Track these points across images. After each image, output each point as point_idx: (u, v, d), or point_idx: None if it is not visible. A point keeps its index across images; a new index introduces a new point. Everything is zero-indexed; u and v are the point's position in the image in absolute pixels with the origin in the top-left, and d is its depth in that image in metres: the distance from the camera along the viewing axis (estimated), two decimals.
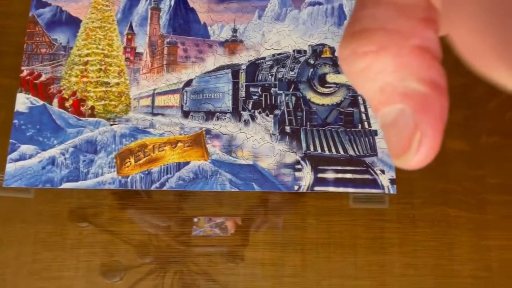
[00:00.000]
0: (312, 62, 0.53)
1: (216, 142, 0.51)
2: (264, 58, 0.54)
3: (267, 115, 0.52)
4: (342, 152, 0.51)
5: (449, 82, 0.11)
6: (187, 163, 0.50)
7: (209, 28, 0.54)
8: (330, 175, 0.49)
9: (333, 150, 0.51)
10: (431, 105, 0.09)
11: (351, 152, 0.50)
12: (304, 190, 0.49)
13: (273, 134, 0.51)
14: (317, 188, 0.49)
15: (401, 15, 0.10)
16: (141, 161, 0.49)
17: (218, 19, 0.54)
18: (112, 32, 0.53)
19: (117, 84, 0.51)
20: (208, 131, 0.51)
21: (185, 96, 0.53)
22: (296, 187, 0.49)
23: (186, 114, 0.53)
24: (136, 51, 0.53)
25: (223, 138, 0.51)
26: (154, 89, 0.52)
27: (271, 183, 0.49)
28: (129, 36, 0.53)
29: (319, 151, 0.51)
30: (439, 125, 0.10)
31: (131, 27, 0.54)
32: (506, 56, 0.08)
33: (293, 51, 0.54)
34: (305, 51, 0.54)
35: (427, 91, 0.09)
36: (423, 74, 0.09)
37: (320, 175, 0.49)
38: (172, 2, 0.55)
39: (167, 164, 0.49)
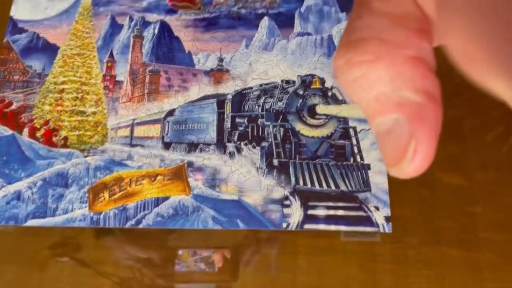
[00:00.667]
0: (301, 92, 0.51)
1: (198, 175, 0.47)
2: (251, 88, 0.51)
3: (254, 147, 0.49)
4: (333, 187, 0.47)
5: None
6: (167, 198, 0.46)
7: (194, 56, 0.52)
8: (321, 212, 0.46)
9: (324, 184, 0.48)
10: (425, 114, 0.10)
11: (343, 187, 0.47)
12: (293, 228, 0.45)
13: (260, 168, 0.48)
14: (307, 226, 0.45)
15: (396, 26, 0.10)
16: (116, 196, 0.45)
17: (204, 48, 0.52)
18: (92, 59, 0.51)
19: (94, 113, 0.48)
20: (190, 164, 0.47)
21: (166, 127, 0.50)
22: (284, 225, 0.45)
23: (167, 146, 0.49)
24: (116, 79, 0.50)
25: (206, 171, 0.47)
26: (134, 119, 0.49)
27: (257, 220, 0.45)
28: (109, 64, 0.51)
29: (309, 185, 0.47)
30: (433, 134, 0.10)
31: (111, 55, 0.51)
32: (502, 65, 0.08)
33: (281, 81, 0.51)
34: (293, 82, 0.52)
35: (422, 100, 0.10)
36: (417, 84, 0.10)
37: (310, 211, 0.46)
38: (156, 30, 0.53)
39: (145, 199, 0.45)
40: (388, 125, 0.10)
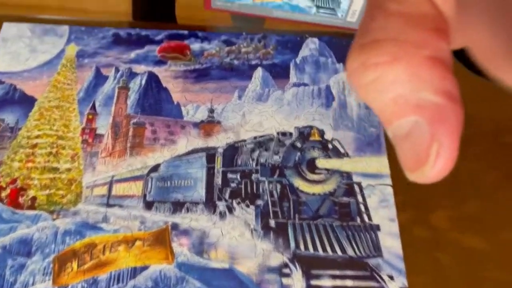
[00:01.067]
0: (299, 145, 0.47)
1: (184, 239, 0.41)
2: (245, 140, 0.47)
3: (248, 206, 0.43)
4: (339, 252, 0.41)
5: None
6: (146, 267, 0.39)
7: (182, 108, 0.48)
8: (326, 282, 0.39)
9: (328, 249, 0.41)
10: (446, 115, 0.09)
11: (350, 252, 0.41)
12: None
13: (254, 230, 0.42)
14: None
15: (412, 26, 0.10)
16: (86, 266, 0.38)
17: (194, 99, 0.49)
18: (71, 112, 0.47)
19: (68, 169, 0.43)
20: (174, 226, 0.42)
21: (149, 184, 0.45)
22: None
23: (149, 206, 0.44)
24: (97, 132, 0.46)
25: (193, 234, 0.41)
26: (113, 176, 0.44)
27: None
28: (90, 116, 0.47)
29: (311, 250, 0.41)
30: (455, 136, 0.09)
31: (93, 107, 0.47)
32: None
33: (277, 133, 0.47)
34: (290, 134, 0.47)
35: (442, 101, 0.09)
36: (437, 85, 0.09)
37: (313, 282, 0.39)
38: (143, 81, 0.50)
39: (120, 269, 0.39)
40: (407, 128, 0.10)
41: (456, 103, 0.09)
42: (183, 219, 0.42)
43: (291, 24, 0.56)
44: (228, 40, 0.54)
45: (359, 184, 0.45)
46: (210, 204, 0.44)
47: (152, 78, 0.50)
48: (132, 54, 0.51)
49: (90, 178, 0.44)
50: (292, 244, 0.41)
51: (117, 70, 0.50)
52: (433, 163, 0.09)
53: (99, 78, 0.49)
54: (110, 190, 0.44)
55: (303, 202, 0.44)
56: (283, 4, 0.54)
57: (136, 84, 0.49)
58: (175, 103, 0.49)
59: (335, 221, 0.43)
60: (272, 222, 0.43)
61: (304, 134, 0.47)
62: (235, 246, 0.41)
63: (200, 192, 0.45)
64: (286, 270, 0.40)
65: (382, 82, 0.10)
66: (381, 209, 0.44)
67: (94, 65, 0.50)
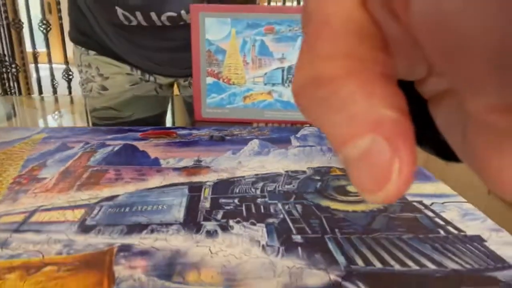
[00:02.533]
0: (317, 177, 0.34)
1: (139, 261, 0.22)
2: (243, 176, 0.34)
3: (253, 224, 0.26)
4: (432, 265, 0.22)
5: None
6: None
7: (161, 160, 0.37)
8: None
9: (410, 263, 0.22)
10: (403, 130, 0.09)
11: (451, 264, 0.22)
12: None
13: (268, 245, 0.23)
14: None
15: (361, 43, 0.09)
16: None
17: (176, 155, 0.38)
18: (9, 165, 0.35)
19: None
20: (125, 248, 0.23)
21: (95, 210, 0.28)
22: None
23: (86, 229, 0.25)
24: (37, 176, 0.33)
25: (156, 255, 0.22)
26: (40, 206, 0.28)
27: None
28: (35, 168, 0.35)
29: (380, 265, 0.22)
30: (414, 150, 0.09)
31: (43, 164, 0.36)
32: None
33: (286, 171, 0.35)
34: (303, 171, 0.35)
35: (398, 117, 0.09)
36: (391, 100, 0.09)
37: None
38: (116, 148, 0.40)
39: None
40: (363, 148, 0.09)
41: (408, 117, 0.09)
42: (142, 240, 0.24)
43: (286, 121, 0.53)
44: (220, 128, 0.49)
45: (420, 202, 0.29)
46: (191, 224, 0.26)
47: (128, 146, 0.41)
48: (109, 136, 0.44)
49: (2, 208, 0.28)
50: (341, 259, 0.22)
51: (86, 143, 0.42)
52: (396, 180, 0.09)
53: (62, 148, 0.40)
54: (28, 217, 0.26)
55: (341, 218, 0.27)
56: (274, 102, 0.53)
57: (105, 151, 0.40)
58: (153, 158, 0.38)
59: (404, 234, 0.25)
60: (297, 238, 0.24)
61: (322, 171, 0.35)
62: (234, 266, 0.21)
63: (175, 215, 0.27)
64: None
65: (337, 99, 0.09)
66: (470, 222, 0.27)
67: (60, 141, 0.42)
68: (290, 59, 0.51)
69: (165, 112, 0.65)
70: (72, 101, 0.69)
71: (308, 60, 0.10)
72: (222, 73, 0.52)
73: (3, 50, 2.46)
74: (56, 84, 1.85)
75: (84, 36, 0.83)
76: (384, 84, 0.09)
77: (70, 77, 1.73)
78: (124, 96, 0.69)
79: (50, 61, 2.13)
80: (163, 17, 0.69)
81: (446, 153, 0.13)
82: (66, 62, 2.12)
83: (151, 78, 0.85)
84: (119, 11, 0.68)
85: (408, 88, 0.11)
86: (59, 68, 1.82)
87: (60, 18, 1.85)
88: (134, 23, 0.71)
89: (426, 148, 0.14)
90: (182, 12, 0.68)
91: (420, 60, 0.10)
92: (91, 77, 0.85)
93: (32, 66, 2.07)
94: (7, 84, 2.25)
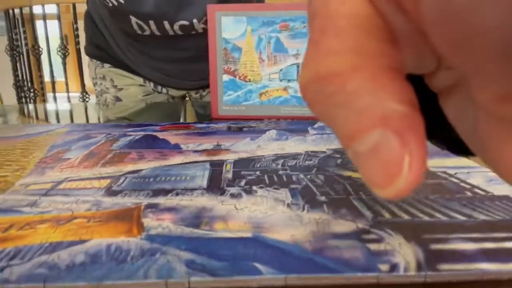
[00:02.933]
0: (338, 155, 0.34)
1: (166, 215, 0.22)
2: (263, 155, 0.34)
3: (277, 189, 0.26)
4: (461, 217, 0.22)
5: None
6: (83, 241, 0.19)
7: (182, 145, 0.38)
8: (463, 246, 0.18)
9: (439, 215, 0.22)
10: (413, 124, 0.09)
11: (480, 216, 0.22)
12: (412, 273, 0.16)
13: (294, 204, 0.23)
14: (443, 267, 0.17)
15: (367, 37, 0.09)
16: None
17: (196, 141, 0.39)
18: (33, 151, 0.36)
19: (4, 176, 0.28)
20: (152, 205, 0.23)
21: (121, 180, 0.28)
22: (383, 267, 0.17)
23: (112, 193, 0.26)
24: (62, 157, 0.34)
25: (182, 210, 0.23)
26: (66, 178, 0.28)
27: (307, 262, 0.17)
28: (61, 152, 0.36)
29: (407, 217, 0.22)
30: (424, 143, 0.09)
31: (68, 150, 0.37)
32: None
33: (305, 152, 0.35)
34: (323, 151, 0.35)
35: (408, 110, 0.09)
36: (399, 94, 0.09)
37: (435, 246, 0.18)
38: (137, 137, 0.41)
39: (26, 245, 0.19)
40: (373, 143, 0.09)
41: (418, 111, 0.09)
42: (168, 200, 0.24)
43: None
44: (237, 122, 0.50)
45: (444, 172, 0.29)
46: (215, 189, 0.26)
47: (148, 135, 0.42)
48: (130, 129, 0.45)
49: (29, 179, 0.28)
50: (368, 213, 0.22)
51: (108, 134, 0.43)
52: (407, 175, 0.09)
53: (85, 138, 0.41)
54: (56, 185, 0.27)
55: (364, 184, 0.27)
56: (290, 98, 0.54)
57: (127, 139, 0.40)
58: (173, 143, 0.38)
59: (430, 195, 0.25)
60: (321, 198, 0.24)
61: (341, 151, 0.35)
62: (261, 218, 0.22)
63: (199, 183, 0.27)
64: (369, 236, 0.19)
65: (343, 94, 0.09)
66: (497, 185, 0.26)
67: (84, 133, 0.43)
68: None
69: (178, 120, 0.67)
70: (86, 111, 0.70)
71: (314, 55, 0.10)
72: (238, 71, 0.54)
73: (22, 76, 2.55)
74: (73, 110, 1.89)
75: (99, 50, 0.86)
76: (392, 77, 0.09)
77: (86, 100, 1.77)
78: (137, 106, 0.71)
79: (67, 85, 2.19)
80: (176, 26, 0.71)
81: (458, 148, 0.13)
82: (83, 85, 2.17)
83: (164, 90, 0.87)
84: (133, 20, 0.70)
85: (418, 83, 0.11)
86: (75, 96, 1.86)
87: (78, 50, 1.91)
88: (147, 32, 0.73)
89: (437, 143, 0.14)
90: (194, 20, 0.70)
91: (428, 53, 0.10)
92: (105, 89, 0.87)
93: (49, 95, 2.12)
94: (25, 108, 2.31)
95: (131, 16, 0.70)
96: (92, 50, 0.88)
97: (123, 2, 0.67)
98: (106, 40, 0.84)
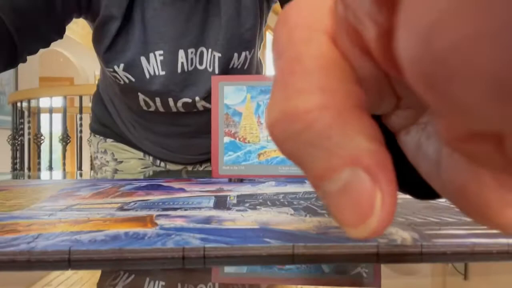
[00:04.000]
0: None
1: (178, 219, 0.23)
2: (265, 193, 0.36)
3: (280, 207, 0.27)
4: (451, 219, 0.23)
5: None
6: (102, 230, 0.20)
7: (186, 189, 0.39)
8: (455, 232, 0.20)
9: (431, 218, 0.23)
10: (382, 161, 0.09)
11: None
12: (409, 243, 0.18)
13: (302, 209, 0.25)
14: (438, 241, 0.18)
15: (335, 78, 0.09)
16: None
17: (200, 187, 0.41)
18: None
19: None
20: (163, 215, 0.25)
21: (131, 204, 0.29)
22: (383, 241, 0.18)
23: (125, 210, 0.27)
24: (73, 194, 0.35)
25: (193, 217, 0.24)
26: (79, 203, 0.30)
27: (313, 239, 0.18)
28: None
29: (402, 219, 0.23)
30: (394, 180, 0.09)
31: None
32: None
33: (304, 191, 0.37)
34: None
35: (376, 147, 0.09)
36: (367, 131, 0.09)
37: (431, 232, 0.20)
38: (143, 184, 0.43)
39: (51, 232, 0.20)
40: (343, 182, 0.09)
41: (385, 147, 0.09)
42: (175, 211, 0.25)
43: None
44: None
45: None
46: (221, 207, 0.27)
47: (153, 183, 0.44)
48: (135, 181, 0.47)
49: (44, 204, 0.29)
50: None
51: (115, 183, 0.44)
52: (380, 212, 0.08)
53: (93, 185, 0.43)
54: (69, 206, 0.28)
55: None
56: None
57: (133, 186, 0.42)
58: (177, 188, 0.40)
59: (422, 210, 0.27)
60: (323, 211, 0.26)
61: None
62: (267, 219, 0.23)
63: (205, 205, 0.28)
64: None
65: (312, 132, 0.09)
66: None
67: (91, 183, 0.45)
68: None
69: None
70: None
71: (282, 94, 0.09)
72: (238, 133, 0.58)
73: (20, 164, 2.59)
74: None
75: (104, 127, 0.91)
76: (359, 116, 0.09)
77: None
78: (135, 176, 0.74)
79: (64, 165, 2.22)
80: (179, 103, 0.77)
81: (420, 191, 0.13)
82: (80, 169, 2.20)
83: (162, 164, 0.90)
84: (141, 96, 0.76)
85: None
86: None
87: (80, 138, 1.99)
88: (152, 108, 0.79)
89: (399, 187, 0.14)
90: (197, 98, 0.77)
91: (389, 94, 0.10)
92: (105, 162, 0.90)
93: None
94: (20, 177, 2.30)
95: (139, 93, 0.76)
96: (97, 127, 0.93)
97: (134, 80, 0.73)
98: (112, 118, 0.89)
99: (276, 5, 0.79)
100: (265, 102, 0.58)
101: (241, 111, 0.58)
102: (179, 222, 0.22)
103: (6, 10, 0.50)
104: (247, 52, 0.72)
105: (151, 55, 0.70)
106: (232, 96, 0.58)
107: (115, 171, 0.89)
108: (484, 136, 0.07)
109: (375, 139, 0.09)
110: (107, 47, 0.68)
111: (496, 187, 0.09)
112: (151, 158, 0.90)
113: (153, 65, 0.72)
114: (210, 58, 0.71)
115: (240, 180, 0.47)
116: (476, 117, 0.06)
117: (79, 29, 4.22)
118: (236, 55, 0.71)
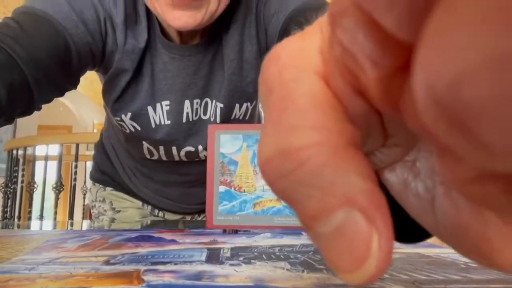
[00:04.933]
0: None
1: (166, 274, 0.22)
2: (260, 245, 0.34)
3: (275, 261, 0.26)
4: (456, 277, 0.22)
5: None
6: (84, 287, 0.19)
7: (178, 240, 0.38)
8: None
9: (436, 276, 0.22)
10: (377, 200, 0.08)
11: (476, 276, 0.22)
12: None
13: (293, 270, 0.23)
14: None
15: (327, 116, 0.09)
16: None
17: (192, 239, 0.39)
18: None
19: None
20: (151, 270, 0.23)
21: (118, 257, 0.27)
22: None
23: (111, 264, 0.25)
24: (59, 246, 0.33)
25: (183, 272, 0.22)
26: (63, 256, 0.28)
27: None
28: None
29: (406, 277, 0.22)
30: (390, 221, 0.08)
31: None
32: None
33: (301, 244, 0.35)
34: None
35: (371, 186, 0.09)
36: (361, 170, 0.09)
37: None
38: (133, 235, 0.41)
39: None
40: (337, 223, 0.08)
41: (379, 187, 0.09)
42: (167, 267, 0.24)
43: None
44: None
45: (434, 253, 0.30)
46: (214, 261, 0.25)
47: (144, 235, 0.42)
48: (125, 232, 0.45)
49: (26, 257, 0.27)
50: None
51: (104, 234, 0.42)
52: (377, 255, 0.08)
53: (81, 236, 0.41)
54: (54, 259, 0.26)
55: None
56: (283, 208, 0.55)
57: (123, 237, 0.40)
58: (169, 239, 0.38)
59: (426, 265, 0.25)
60: (321, 266, 0.24)
61: None
62: (262, 275, 0.21)
63: (197, 258, 0.26)
64: (372, 285, 0.20)
65: (306, 170, 0.08)
66: None
67: (79, 233, 0.43)
68: None
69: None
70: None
71: (274, 132, 0.09)
72: (234, 182, 0.57)
73: (11, 212, 2.53)
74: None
75: (104, 174, 0.90)
76: (354, 154, 0.09)
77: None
78: (132, 227, 0.72)
79: (55, 213, 2.16)
80: (182, 152, 0.76)
81: (407, 233, 0.13)
82: (71, 218, 2.15)
83: (160, 214, 0.88)
84: (145, 145, 0.76)
85: None
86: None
87: (74, 187, 1.97)
88: (155, 157, 0.78)
89: None
90: (199, 147, 0.76)
91: (377, 132, 0.10)
92: (103, 211, 0.88)
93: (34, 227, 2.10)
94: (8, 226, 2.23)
95: (143, 142, 0.75)
96: (98, 175, 0.92)
97: (140, 129, 0.73)
98: (113, 166, 0.88)
99: None
100: None
101: (237, 160, 0.57)
102: (167, 278, 0.21)
103: (26, 60, 0.51)
104: (249, 104, 0.73)
105: (158, 105, 0.70)
106: (228, 145, 0.58)
107: (113, 220, 0.87)
108: (494, 177, 0.07)
109: (369, 178, 0.09)
110: (117, 98, 0.68)
111: (500, 226, 0.08)
112: (149, 207, 0.88)
113: (159, 114, 0.72)
114: (213, 108, 0.72)
115: (235, 231, 0.45)
116: (503, 158, 0.06)
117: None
118: (237, 105, 0.71)
